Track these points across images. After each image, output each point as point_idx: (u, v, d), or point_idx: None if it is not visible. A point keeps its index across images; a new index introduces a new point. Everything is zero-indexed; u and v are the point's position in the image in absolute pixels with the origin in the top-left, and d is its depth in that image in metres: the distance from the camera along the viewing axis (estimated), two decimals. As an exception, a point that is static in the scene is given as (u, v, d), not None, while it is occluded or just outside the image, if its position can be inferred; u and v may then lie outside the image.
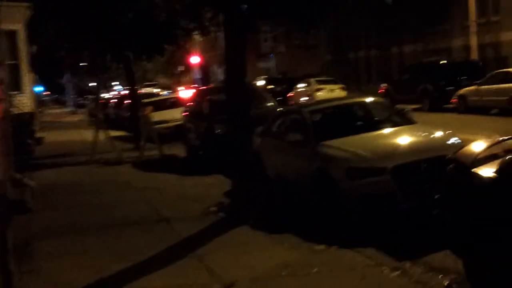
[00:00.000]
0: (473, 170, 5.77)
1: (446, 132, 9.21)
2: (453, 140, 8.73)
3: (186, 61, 61.39)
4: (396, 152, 8.40)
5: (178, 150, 17.02)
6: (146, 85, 59.98)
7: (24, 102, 19.55)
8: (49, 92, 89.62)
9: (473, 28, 27.87)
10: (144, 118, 17.02)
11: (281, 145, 10.25)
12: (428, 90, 23.81)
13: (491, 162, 5.81)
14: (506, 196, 5.32)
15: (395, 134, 9.12)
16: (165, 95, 38.52)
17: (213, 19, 19.35)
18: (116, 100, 35.75)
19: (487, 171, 5.64)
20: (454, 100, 22.01)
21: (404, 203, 7.86)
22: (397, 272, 6.09)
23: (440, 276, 5.93)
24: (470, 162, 5.87)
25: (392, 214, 7.86)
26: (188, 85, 54.95)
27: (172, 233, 8.25)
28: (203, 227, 8.37)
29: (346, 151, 8.49)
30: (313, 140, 9.21)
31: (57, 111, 58.68)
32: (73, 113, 51.51)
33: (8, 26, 16.01)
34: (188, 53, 51.44)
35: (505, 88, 19.50)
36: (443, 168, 7.72)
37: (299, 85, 34.39)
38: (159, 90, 51.69)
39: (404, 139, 8.88)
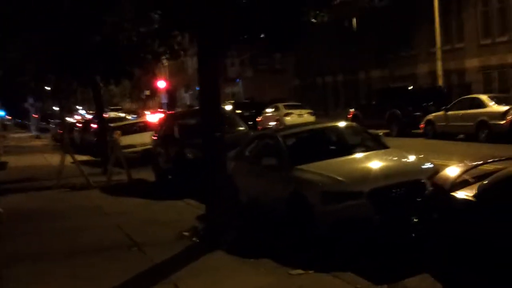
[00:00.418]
0: (451, 194, 5.81)
1: (420, 157, 9.29)
2: (426, 164, 8.80)
3: (152, 86, 61.19)
4: (372, 176, 8.40)
5: (147, 175, 16.80)
6: (111, 109, 59.58)
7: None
8: (11, 117, 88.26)
9: (438, 54, 28.38)
10: (113, 142, 16.78)
11: (255, 169, 10.18)
12: (396, 115, 24.10)
13: (468, 186, 5.88)
14: (484, 219, 5.37)
15: (369, 158, 9.13)
16: (131, 119, 38.30)
17: (181, 44, 19.46)
18: (81, 125, 35.29)
19: (466, 195, 5.69)
20: (422, 125, 22.28)
21: (380, 226, 7.84)
22: (376, 297, 6.03)
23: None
24: (448, 186, 5.93)
25: (368, 238, 7.81)
26: (154, 109, 54.73)
27: (144, 258, 8.04)
28: (176, 252, 8.19)
29: (321, 175, 8.46)
30: (288, 164, 9.16)
31: (21, 135, 57.62)
32: (36, 137, 50.65)
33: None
34: (155, 77, 51.32)
35: (471, 114, 19.83)
36: (419, 192, 7.79)
37: (267, 110, 34.51)
38: (124, 114, 51.41)
39: (379, 163, 8.90)
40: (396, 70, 34.84)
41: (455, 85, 30.24)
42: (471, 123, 19.67)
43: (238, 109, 35.78)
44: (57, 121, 47.91)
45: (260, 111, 35.45)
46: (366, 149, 9.73)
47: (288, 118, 31.62)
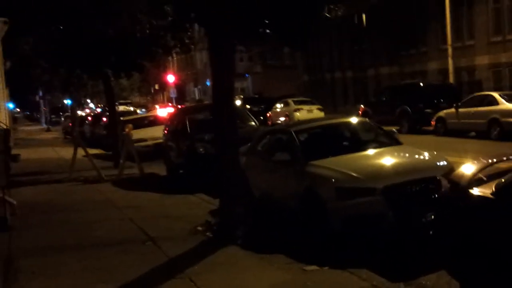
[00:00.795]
0: (469, 191, 5.81)
1: (434, 154, 9.25)
2: (441, 161, 8.75)
3: (161, 80, 61.23)
4: (386, 172, 8.38)
5: (158, 169, 16.85)
6: (120, 103, 59.68)
7: (-1, 118, 19.24)
8: (19, 109, 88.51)
9: (449, 51, 28.25)
10: (124, 136, 16.82)
11: (267, 164, 10.18)
12: (407, 112, 24.03)
13: (485, 184, 5.87)
14: (501, 217, 5.36)
15: (383, 155, 9.10)
16: (141, 113, 38.37)
17: (191, 38, 19.47)
18: (91, 118, 35.38)
19: (483, 192, 5.69)
20: (433, 122, 22.20)
21: (395, 223, 7.83)
22: (392, 294, 6.03)
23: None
24: (465, 184, 5.92)
25: (383, 234, 7.81)
26: (163, 103, 54.77)
27: (158, 252, 8.07)
28: (191, 247, 8.21)
29: (335, 171, 8.44)
30: (301, 160, 9.15)
31: (31, 128, 57.88)
32: (47, 130, 50.84)
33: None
34: (165, 71, 51.36)
35: (483, 111, 19.73)
36: (434, 189, 7.78)
37: (277, 105, 34.48)
38: (133, 108, 51.46)
39: (393, 159, 8.88)
40: (406, 67, 34.72)
41: (465, 82, 30.12)
42: (483, 121, 19.57)
43: (247, 104, 35.76)
44: (67, 114, 48.09)
45: (269, 107, 35.44)
46: (380, 145, 9.69)
47: (297, 114, 31.61)
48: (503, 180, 5.61)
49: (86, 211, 11.52)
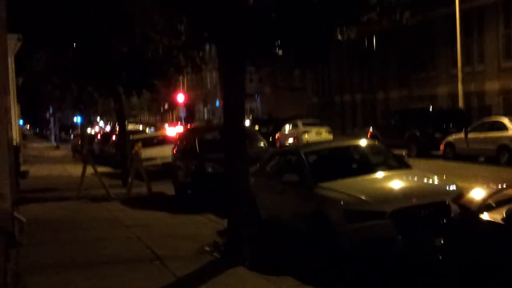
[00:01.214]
0: (479, 216, 5.80)
1: (444, 178, 9.25)
2: (451, 186, 8.74)
3: (171, 99, 61.48)
4: (395, 196, 8.38)
5: (166, 188, 16.88)
6: (129, 122, 59.84)
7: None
8: (29, 126, 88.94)
9: (459, 76, 28.27)
10: (134, 155, 16.88)
11: (276, 185, 10.18)
12: (416, 136, 24.00)
13: (495, 209, 5.86)
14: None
15: (392, 178, 9.10)
16: (150, 132, 38.51)
17: (203, 57, 19.60)
18: (101, 136, 35.55)
19: (493, 217, 5.68)
20: (442, 147, 22.16)
21: (403, 247, 7.80)
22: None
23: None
24: (475, 209, 5.91)
25: (391, 257, 7.77)
26: (172, 123, 54.99)
27: (166, 272, 8.05)
28: (198, 267, 8.19)
29: (344, 194, 8.44)
30: (310, 181, 9.16)
31: (40, 145, 58.12)
32: (56, 147, 51.05)
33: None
34: (175, 90, 51.60)
35: (492, 137, 19.68)
36: (443, 214, 7.76)
37: (285, 127, 34.53)
38: (142, 127, 51.68)
39: (402, 183, 8.88)
40: (415, 90, 34.75)
41: (475, 107, 30.08)
42: (492, 146, 19.52)
43: (256, 125, 35.88)
44: (77, 132, 48.33)
45: (278, 128, 35.48)
46: (389, 168, 9.69)
47: (306, 136, 31.61)
48: (512, 205, 5.61)
49: (94, 229, 11.52)
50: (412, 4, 11.03)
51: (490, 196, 6.10)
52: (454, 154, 21.40)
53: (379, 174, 9.38)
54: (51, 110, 55.53)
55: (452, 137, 21.86)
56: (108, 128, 48.45)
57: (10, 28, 13.33)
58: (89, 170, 16.86)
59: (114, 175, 21.46)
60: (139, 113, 73.74)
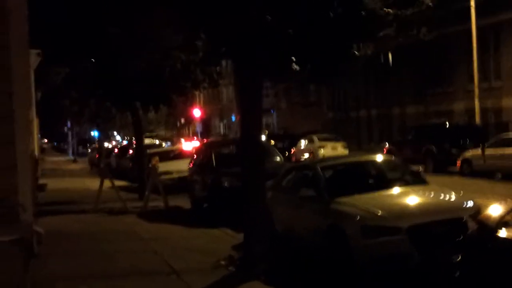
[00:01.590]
0: (497, 233, 5.78)
1: (461, 194, 9.20)
2: (468, 202, 8.69)
3: (187, 114, 61.79)
4: (411, 212, 8.38)
5: (182, 202, 16.95)
6: (146, 136, 60.18)
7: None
8: (47, 140, 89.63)
9: (476, 92, 28.14)
10: (151, 168, 17.00)
11: (291, 200, 10.21)
12: (432, 151, 23.89)
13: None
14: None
15: (409, 194, 9.09)
16: (166, 146, 38.71)
17: (220, 73, 19.77)
18: (118, 150, 35.79)
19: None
20: (459, 163, 22.04)
21: (420, 263, 7.77)
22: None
23: None
24: (494, 225, 5.89)
25: (407, 274, 7.75)
26: (188, 137, 55.20)
27: (182, 285, 8.10)
28: (214, 281, 8.23)
29: (361, 209, 8.45)
30: (326, 196, 9.17)
31: (58, 159, 58.57)
32: (73, 161, 51.44)
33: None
34: (191, 105, 51.88)
35: (510, 153, 19.55)
36: (460, 230, 7.72)
37: (301, 142, 34.52)
38: (158, 141, 51.90)
39: (419, 199, 8.87)
40: (431, 106, 34.60)
41: (492, 123, 29.88)
42: (510, 163, 19.37)
43: (271, 140, 35.88)
44: (94, 145, 48.67)
45: (293, 143, 35.46)
46: (406, 184, 9.68)
47: (321, 151, 31.56)
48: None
49: (111, 242, 11.61)
50: (429, 20, 11.06)
51: (507, 212, 6.06)
52: (471, 170, 21.26)
53: (396, 190, 9.37)
54: (69, 124, 56.02)
55: (469, 153, 21.73)
56: (125, 142, 48.75)
57: (29, 43, 13.54)
58: (106, 184, 17.00)
59: (131, 188, 21.58)
60: (156, 127, 74.13)
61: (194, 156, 17.93)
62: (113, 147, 41.86)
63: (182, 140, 44.08)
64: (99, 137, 44.16)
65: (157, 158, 17.33)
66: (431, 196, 9.17)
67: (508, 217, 5.98)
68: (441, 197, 9.09)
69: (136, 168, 20.85)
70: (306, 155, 32.17)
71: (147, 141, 38.56)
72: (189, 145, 32.57)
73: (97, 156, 39.72)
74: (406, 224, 7.94)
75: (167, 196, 16.56)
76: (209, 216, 13.92)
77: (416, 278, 7.67)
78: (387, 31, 9.90)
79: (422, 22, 10.76)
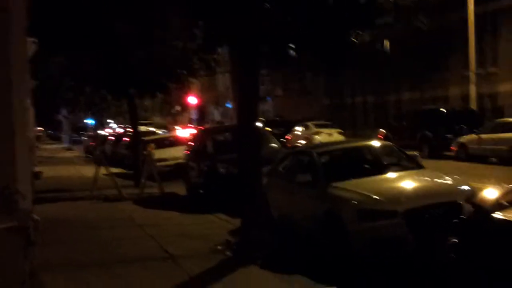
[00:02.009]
0: (493, 215, 5.82)
1: (456, 178, 9.24)
2: (463, 186, 8.73)
3: (183, 101, 61.63)
4: (408, 195, 8.40)
5: (178, 188, 16.96)
6: (141, 123, 59.95)
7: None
8: (43, 128, 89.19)
9: (472, 78, 28.18)
10: (146, 155, 16.98)
11: (288, 185, 10.22)
12: (428, 137, 23.96)
13: (509, 208, 5.87)
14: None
15: (405, 178, 9.11)
16: (161, 134, 38.60)
17: (217, 61, 19.68)
18: (113, 137, 35.70)
19: (507, 216, 5.70)
20: (454, 148, 22.11)
21: (416, 247, 7.81)
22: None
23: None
24: (489, 208, 5.93)
25: (404, 257, 7.79)
26: (184, 124, 55.08)
27: (179, 271, 8.10)
28: (211, 266, 8.24)
29: (357, 193, 8.46)
30: (323, 182, 9.18)
31: (53, 146, 58.41)
32: (68, 149, 51.31)
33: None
34: (186, 92, 51.73)
35: (505, 138, 19.61)
36: (456, 214, 7.76)
37: (297, 128, 34.54)
38: (154, 129, 51.73)
39: (415, 183, 8.89)
40: (427, 92, 34.65)
41: (487, 108, 29.97)
42: (505, 147, 19.45)
43: (267, 127, 35.84)
44: (90, 133, 48.56)
45: (289, 129, 35.48)
46: (402, 168, 9.71)
47: (317, 137, 31.60)
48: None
49: (108, 229, 11.62)
50: (426, 8, 11.04)
51: (503, 195, 6.11)
52: (466, 155, 21.34)
53: (392, 174, 9.39)
54: (64, 112, 55.81)
55: (464, 138, 21.80)
56: (120, 130, 48.65)
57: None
58: (102, 171, 16.98)
59: (127, 176, 21.57)
60: (152, 115, 73.97)
61: (190, 143, 17.93)
62: (108, 135, 41.74)
63: (177, 127, 44.00)
64: (94, 124, 43.99)
65: (152, 145, 17.30)
66: (427, 180, 9.20)
67: (503, 200, 6.03)
68: (437, 181, 9.12)
69: (132, 155, 20.81)
70: (302, 142, 32.19)
71: (142, 128, 38.55)
72: (184, 132, 32.54)
73: (92, 143, 39.62)
74: (402, 207, 7.96)
75: (162, 183, 16.55)
76: (205, 203, 13.93)
77: (412, 261, 7.71)
78: (386, 19, 9.87)
79: (420, 10, 10.74)
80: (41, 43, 18.60)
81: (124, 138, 30.63)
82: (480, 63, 29.68)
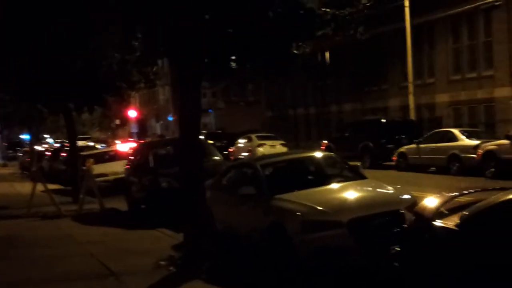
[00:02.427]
0: (433, 223, 5.88)
1: (398, 188, 9.35)
2: (405, 195, 8.84)
3: (122, 115, 60.79)
4: (351, 206, 8.43)
5: (118, 204, 16.59)
6: (79, 138, 58.92)
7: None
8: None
9: (410, 89, 28.85)
10: (85, 171, 16.56)
11: (232, 198, 10.12)
12: (369, 147, 24.34)
13: (448, 217, 5.94)
14: (466, 247, 5.43)
15: (348, 189, 9.15)
16: (101, 148, 37.92)
17: (157, 73, 19.46)
18: (50, 153, 34.82)
19: (447, 224, 5.77)
20: (395, 157, 22.51)
21: (360, 256, 7.83)
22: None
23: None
24: (429, 216, 5.99)
25: (349, 267, 7.79)
26: (124, 138, 54.30)
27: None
28: (154, 282, 8.04)
29: (301, 205, 8.43)
30: (266, 194, 9.13)
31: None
32: (3, 165, 49.75)
33: None
34: (127, 106, 51.05)
35: (443, 147, 20.10)
36: (398, 222, 7.83)
37: (240, 141, 34.53)
38: (93, 143, 50.79)
39: (358, 193, 8.94)
40: (368, 103, 35.25)
41: (426, 119, 30.70)
42: (443, 156, 19.94)
43: (210, 139, 35.73)
44: (25, 149, 47.23)
45: (232, 142, 35.46)
46: (345, 179, 9.75)
47: (260, 149, 31.64)
48: (467, 212, 5.70)
49: (47, 247, 11.22)
50: (365, 20, 11.22)
51: (442, 204, 6.19)
52: (407, 165, 21.77)
53: (335, 185, 9.42)
54: (-5, 128, 54.13)
55: (404, 148, 22.24)
56: (57, 145, 47.50)
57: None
58: (39, 187, 16.48)
59: (65, 192, 21.02)
60: (90, 129, 72.63)
61: (130, 157, 17.60)
62: (45, 150, 40.71)
63: (117, 141, 43.31)
64: (30, 140, 42.74)
65: (92, 160, 16.89)
66: (370, 190, 9.27)
67: (442, 208, 6.10)
68: (379, 191, 9.19)
69: (70, 171, 20.28)
70: (245, 154, 32.18)
71: (80, 143, 37.76)
72: (124, 146, 32.02)
73: (28, 160, 38.54)
74: (346, 218, 7.98)
75: (102, 198, 16.16)
76: (148, 218, 13.65)
77: (357, 270, 7.73)
78: (325, 30, 9.97)
79: (359, 21, 10.90)
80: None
81: (61, 154, 29.91)
82: (418, 74, 30.41)
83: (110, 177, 20.31)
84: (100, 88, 17.95)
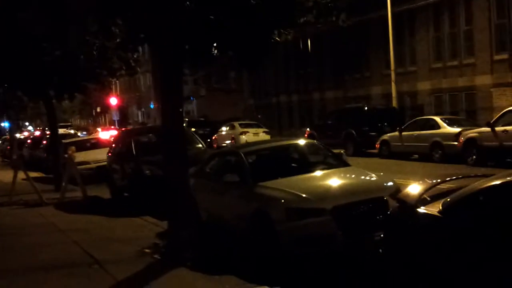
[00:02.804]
0: (416, 210, 5.94)
1: (381, 175, 9.41)
2: (388, 182, 8.89)
3: (104, 102, 60.40)
4: (334, 193, 8.47)
5: (101, 192, 16.53)
6: (60, 125, 58.53)
7: None
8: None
9: (392, 77, 28.95)
10: (67, 158, 16.45)
11: (216, 186, 10.13)
12: (352, 135, 24.42)
13: (431, 203, 6.00)
14: (448, 232, 5.50)
15: (332, 176, 9.19)
16: (82, 136, 37.71)
17: (138, 60, 19.31)
18: (31, 141, 34.54)
19: (430, 210, 5.83)
20: (377, 145, 22.62)
21: (344, 243, 7.88)
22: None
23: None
24: (413, 203, 6.04)
25: (333, 253, 7.85)
26: (105, 126, 53.98)
27: (106, 276, 7.86)
28: (139, 270, 8.03)
29: (285, 192, 8.46)
30: (250, 181, 9.14)
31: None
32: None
33: None
34: (108, 93, 50.73)
35: (426, 135, 20.23)
36: (381, 209, 7.90)
37: (222, 128, 34.50)
38: (74, 131, 50.50)
39: (342, 181, 8.98)
40: (350, 91, 35.35)
41: (407, 106, 30.85)
42: (425, 144, 20.06)
43: (192, 127, 35.66)
44: (5, 137, 46.82)
45: (214, 130, 35.42)
46: (328, 166, 9.79)
47: (243, 137, 31.64)
48: (449, 199, 5.76)
49: (29, 235, 11.16)
50: (347, 7, 11.22)
51: (425, 191, 6.24)
52: (389, 152, 21.87)
53: (319, 172, 9.46)
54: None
55: (387, 136, 22.33)
56: (37, 133, 47.06)
57: None
58: (20, 175, 16.35)
59: (46, 180, 20.89)
60: (71, 117, 72.14)
61: (113, 145, 17.51)
62: (26, 138, 40.34)
63: (99, 129, 43.05)
64: (9, 128, 42.29)
65: (73, 148, 16.77)
66: (353, 177, 9.32)
67: (425, 195, 6.16)
68: (362, 178, 9.25)
69: (51, 159, 20.13)
70: (228, 142, 32.17)
71: (61, 131, 37.48)
72: (106, 134, 31.85)
73: (8, 148, 38.19)
74: (330, 205, 8.01)
75: (85, 186, 16.08)
76: (130, 206, 13.62)
77: (341, 257, 7.78)
78: (307, 18, 9.96)
79: (341, 9, 10.90)
80: None
81: (43, 141, 29.68)
82: (400, 62, 30.52)
83: (92, 165, 20.20)
84: (80, 75, 17.79)
